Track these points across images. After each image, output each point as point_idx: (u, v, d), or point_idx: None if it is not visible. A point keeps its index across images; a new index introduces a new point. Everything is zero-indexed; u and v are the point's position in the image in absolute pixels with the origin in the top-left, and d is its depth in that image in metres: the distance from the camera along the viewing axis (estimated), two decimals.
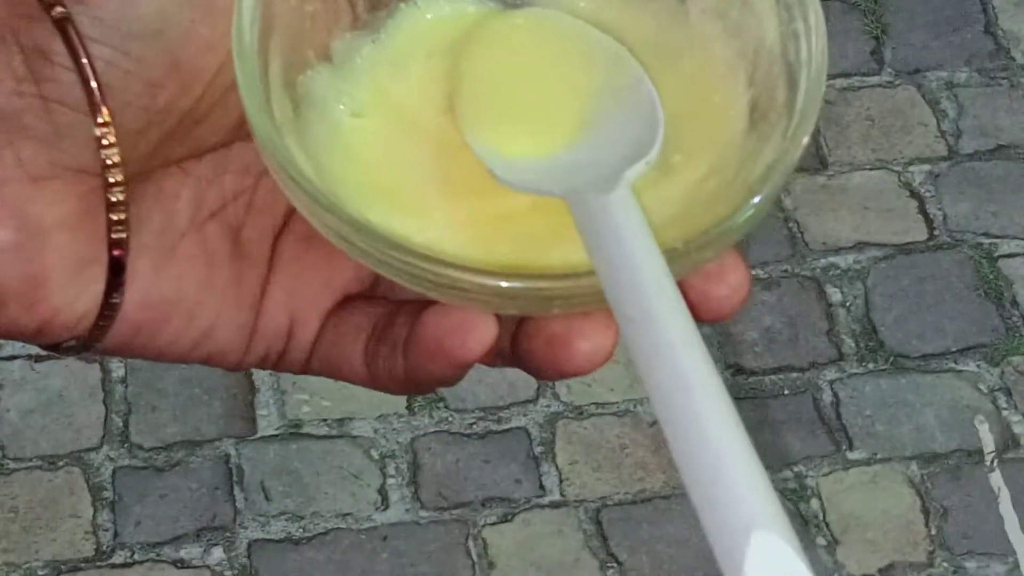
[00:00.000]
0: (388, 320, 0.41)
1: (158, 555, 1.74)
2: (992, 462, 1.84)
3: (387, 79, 0.43)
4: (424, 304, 0.39)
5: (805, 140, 0.38)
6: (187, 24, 0.39)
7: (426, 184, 0.42)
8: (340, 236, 0.38)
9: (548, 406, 1.85)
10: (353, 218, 0.38)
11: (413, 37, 0.43)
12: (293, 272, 0.42)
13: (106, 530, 1.76)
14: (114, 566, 1.73)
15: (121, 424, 1.82)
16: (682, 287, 0.37)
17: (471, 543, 1.76)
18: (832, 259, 1.98)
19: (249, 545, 1.75)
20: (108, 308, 0.40)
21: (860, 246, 1.99)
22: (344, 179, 0.41)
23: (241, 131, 0.40)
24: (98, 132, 0.38)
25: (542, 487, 1.79)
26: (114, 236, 0.39)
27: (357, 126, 0.42)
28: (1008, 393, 1.89)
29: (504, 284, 0.37)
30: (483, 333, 0.38)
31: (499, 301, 0.38)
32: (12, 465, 1.79)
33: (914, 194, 2.04)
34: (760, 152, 0.39)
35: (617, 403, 1.85)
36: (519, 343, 0.39)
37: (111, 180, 0.39)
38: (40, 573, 1.73)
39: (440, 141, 0.42)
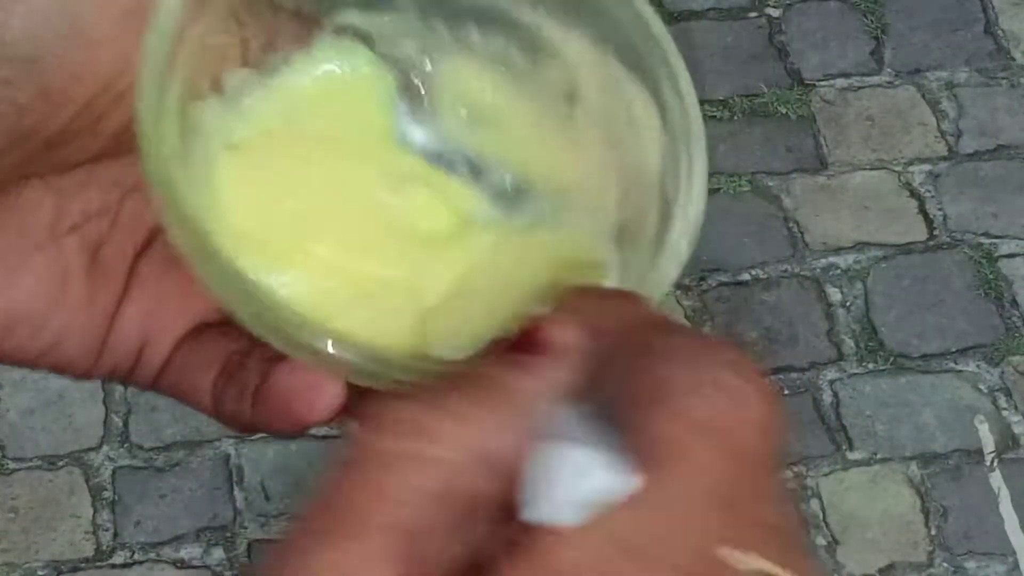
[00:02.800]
0: (239, 361, 0.41)
1: (158, 555, 1.74)
2: (992, 462, 1.84)
3: (272, 120, 0.42)
4: (275, 351, 0.39)
5: (664, 283, 0.38)
6: (62, 53, 0.38)
7: (298, 233, 0.41)
8: (204, 275, 0.38)
9: None
10: (228, 269, 0.37)
11: (302, 87, 0.43)
12: (150, 293, 0.42)
13: (106, 530, 1.76)
14: (114, 566, 1.74)
15: (121, 424, 1.82)
16: None
17: None
18: (832, 259, 1.98)
19: (249, 545, 1.75)
20: None
21: (860, 246, 1.99)
22: (213, 216, 0.40)
23: (110, 150, 0.40)
24: None
25: None
26: None
27: (233, 162, 0.41)
28: (1008, 393, 1.89)
29: (344, 356, 0.36)
30: (331, 398, 0.38)
31: (342, 369, 0.37)
32: (12, 465, 1.80)
33: (914, 194, 2.04)
34: (625, 270, 0.39)
35: None
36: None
37: None
38: (40, 573, 1.73)
39: (318, 190, 0.42)
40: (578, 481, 0.30)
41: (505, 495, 0.31)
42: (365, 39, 0.43)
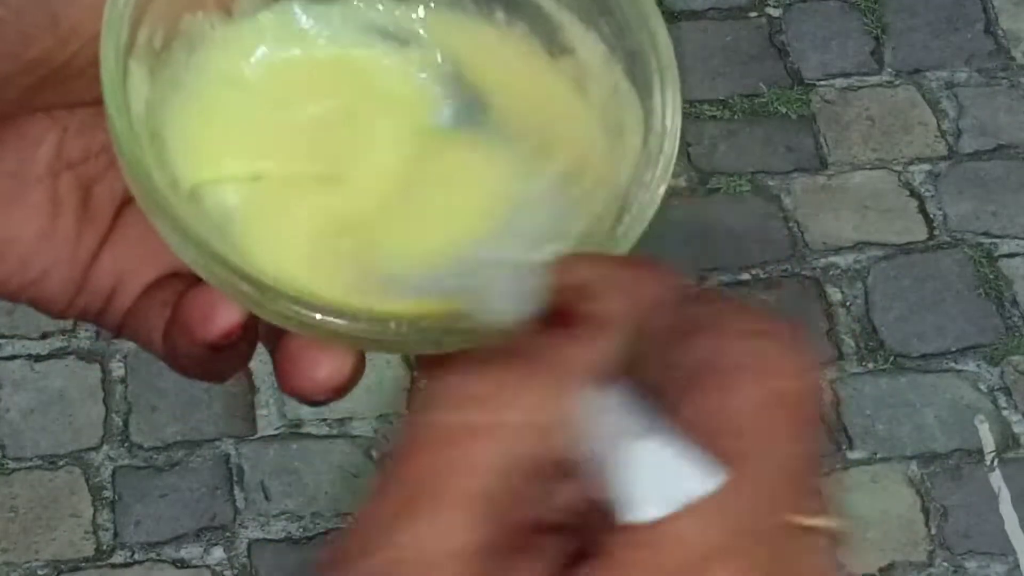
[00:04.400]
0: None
1: (158, 555, 1.74)
2: (992, 462, 1.84)
3: (273, 44, 0.43)
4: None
5: None
6: None
7: (262, 160, 0.42)
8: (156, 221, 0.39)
9: None
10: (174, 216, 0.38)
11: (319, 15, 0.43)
12: (129, 238, 0.43)
13: (106, 530, 1.76)
14: (114, 566, 1.74)
15: (121, 424, 1.82)
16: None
17: None
18: (832, 259, 1.98)
19: (249, 545, 1.75)
20: None
21: (860, 246, 1.99)
22: (183, 124, 0.41)
23: None
24: None
25: None
26: None
27: (228, 80, 0.42)
28: (1008, 393, 1.89)
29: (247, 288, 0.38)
30: (225, 319, 0.39)
31: (245, 301, 0.39)
32: (12, 465, 1.79)
33: (914, 194, 2.04)
34: None
35: None
36: (275, 351, 0.40)
37: None
38: (40, 573, 1.73)
39: (303, 140, 0.42)
40: (667, 479, 0.32)
41: (569, 459, 0.33)
42: None
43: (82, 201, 0.42)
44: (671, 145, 0.41)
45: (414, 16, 0.44)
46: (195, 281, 0.40)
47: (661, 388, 0.33)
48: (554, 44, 0.43)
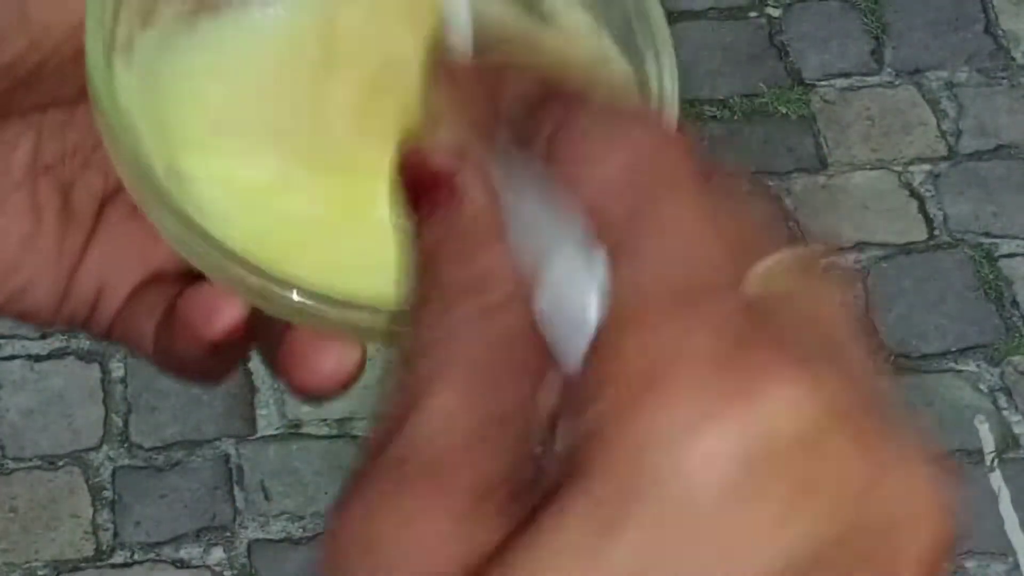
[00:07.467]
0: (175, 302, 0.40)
1: (158, 555, 1.74)
2: (992, 462, 1.84)
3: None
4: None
5: None
6: None
7: (258, 133, 0.40)
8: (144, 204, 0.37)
9: None
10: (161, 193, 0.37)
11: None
12: (113, 239, 0.42)
13: (106, 530, 1.76)
14: (114, 566, 1.74)
15: (121, 424, 1.82)
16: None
17: None
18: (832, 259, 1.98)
19: (249, 545, 1.75)
20: None
21: (860, 246, 1.99)
22: (176, 99, 0.40)
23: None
24: None
25: None
26: None
27: (210, 47, 0.40)
28: (1008, 393, 1.89)
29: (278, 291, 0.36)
30: (228, 315, 0.38)
31: (244, 291, 0.37)
32: (12, 465, 1.79)
33: (914, 194, 2.04)
34: None
35: None
36: (273, 344, 0.39)
37: None
38: (40, 573, 1.73)
39: (295, 99, 0.41)
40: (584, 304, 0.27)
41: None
42: None
43: (62, 204, 0.41)
44: (670, 110, 0.39)
45: None
46: (184, 281, 0.39)
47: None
48: (535, 12, 0.41)
